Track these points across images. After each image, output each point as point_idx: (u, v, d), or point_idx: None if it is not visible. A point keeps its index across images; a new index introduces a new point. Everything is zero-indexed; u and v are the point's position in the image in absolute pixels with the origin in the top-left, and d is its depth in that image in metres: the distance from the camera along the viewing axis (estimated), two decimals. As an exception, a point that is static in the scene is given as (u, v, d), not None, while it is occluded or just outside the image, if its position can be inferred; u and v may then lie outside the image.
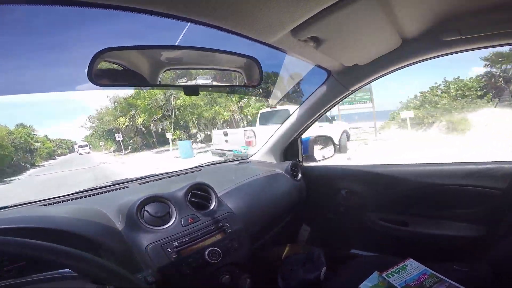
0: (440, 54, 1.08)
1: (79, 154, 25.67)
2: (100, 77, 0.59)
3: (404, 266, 0.97)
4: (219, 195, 1.02)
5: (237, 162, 1.58)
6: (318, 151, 1.61)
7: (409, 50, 1.09)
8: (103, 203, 0.89)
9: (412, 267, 0.96)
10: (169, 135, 16.14)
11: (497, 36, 0.93)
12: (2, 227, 0.62)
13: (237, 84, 0.87)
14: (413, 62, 1.15)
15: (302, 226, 1.66)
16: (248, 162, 1.59)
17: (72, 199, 0.95)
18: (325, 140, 1.69)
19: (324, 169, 1.59)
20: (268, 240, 1.23)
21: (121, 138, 18.49)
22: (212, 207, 0.95)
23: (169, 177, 1.25)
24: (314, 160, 1.57)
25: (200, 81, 0.79)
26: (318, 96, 1.38)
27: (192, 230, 0.85)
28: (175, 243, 0.80)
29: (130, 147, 19.87)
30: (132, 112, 18.67)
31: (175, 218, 0.84)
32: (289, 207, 1.36)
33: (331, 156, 1.64)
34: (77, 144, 29.04)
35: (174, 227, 0.83)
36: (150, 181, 1.17)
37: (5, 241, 0.41)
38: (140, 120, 18.62)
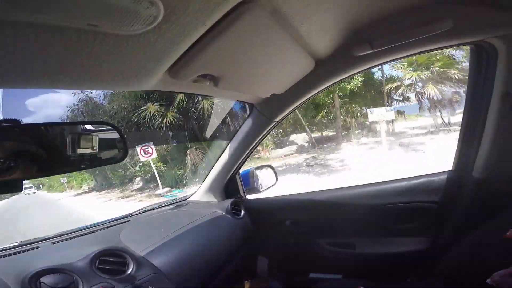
0: (355, 71, 1.12)
1: (26, 194, 21.42)
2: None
3: None
4: (143, 254, 0.98)
5: (174, 206, 1.54)
6: (260, 181, 1.64)
7: (324, 71, 1.12)
8: (6, 269, 0.81)
9: None
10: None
11: (409, 45, 0.96)
12: None
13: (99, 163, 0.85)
14: (330, 85, 1.19)
15: (259, 258, 1.67)
16: (187, 204, 1.58)
17: None
18: (266, 169, 1.73)
19: (267, 201, 1.63)
20: (222, 281, 1.23)
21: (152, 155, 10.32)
22: (128, 272, 0.89)
23: (89, 233, 1.15)
24: (258, 191, 1.61)
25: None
26: (246, 130, 1.40)
27: None
28: None
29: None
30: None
31: None
32: (234, 248, 1.37)
33: (274, 184, 1.69)
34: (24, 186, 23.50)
35: None
36: (66, 239, 1.08)
37: None
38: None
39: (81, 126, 0.80)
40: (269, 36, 0.75)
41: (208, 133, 10.70)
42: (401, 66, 11.44)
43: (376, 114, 10.52)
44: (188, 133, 11.04)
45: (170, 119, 10.97)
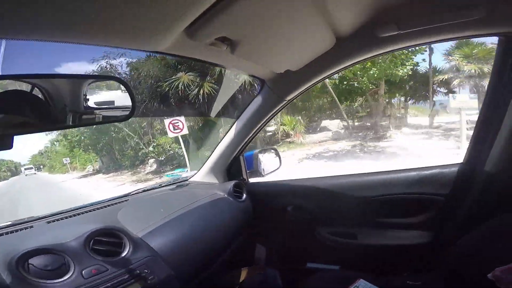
0: (378, 53, 1.13)
1: (26, 175, 22.88)
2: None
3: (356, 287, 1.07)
4: (140, 235, 0.99)
5: (174, 186, 1.57)
6: (264, 165, 1.67)
7: (344, 50, 1.12)
8: None
9: None
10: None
11: (437, 30, 0.98)
12: None
13: (101, 120, 0.86)
14: (350, 64, 1.19)
15: (257, 246, 1.72)
16: (187, 185, 1.61)
17: None
18: (270, 152, 1.75)
19: (270, 185, 1.67)
20: (220, 266, 1.28)
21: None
22: (124, 254, 0.89)
23: (86, 211, 1.16)
24: (261, 175, 1.64)
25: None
26: (254, 108, 1.42)
27: (98, 282, 0.78)
28: None
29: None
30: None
31: (74, 270, 0.77)
32: (234, 232, 1.40)
33: (277, 168, 1.71)
34: (24, 166, 26.30)
35: (73, 280, 0.76)
36: (62, 219, 1.07)
37: None
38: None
39: (88, 80, 0.79)
40: (293, 3, 0.76)
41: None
42: (457, 58, 10.77)
43: (459, 100, 10.06)
44: (223, 109, 9.80)
45: (207, 91, 10.04)
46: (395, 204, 1.34)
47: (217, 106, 9.99)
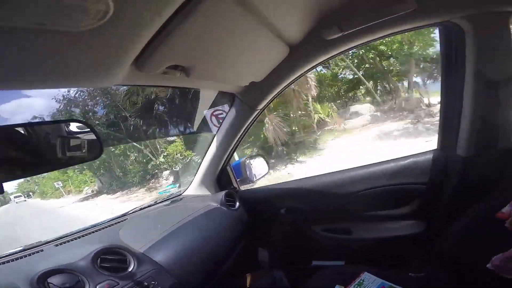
0: (329, 56, 1.22)
1: (16, 203, 21.83)
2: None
3: (361, 281, 1.03)
4: (142, 250, 1.08)
5: (169, 202, 1.67)
6: (253, 171, 1.77)
7: (299, 56, 1.21)
8: (15, 273, 0.89)
9: (369, 281, 1.03)
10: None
11: (378, 27, 1.05)
12: None
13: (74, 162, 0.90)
14: (307, 70, 1.28)
15: (259, 249, 1.81)
16: (181, 199, 1.71)
17: None
18: (257, 159, 1.86)
19: (261, 190, 1.79)
20: (225, 273, 1.35)
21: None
22: (130, 268, 0.97)
23: (90, 233, 1.24)
24: (251, 181, 1.74)
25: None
26: (230, 121, 1.54)
27: None
28: None
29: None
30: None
31: (89, 287, 0.86)
32: (232, 240, 1.49)
33: (266, 173, 1.82)
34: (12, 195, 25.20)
35: None
36: (68, 241, 1.16)
37: None
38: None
39: (54, 125, 0.84)
40: (235, 22, 0.80)
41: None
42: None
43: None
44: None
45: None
46: (381, 197, 1.43)
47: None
